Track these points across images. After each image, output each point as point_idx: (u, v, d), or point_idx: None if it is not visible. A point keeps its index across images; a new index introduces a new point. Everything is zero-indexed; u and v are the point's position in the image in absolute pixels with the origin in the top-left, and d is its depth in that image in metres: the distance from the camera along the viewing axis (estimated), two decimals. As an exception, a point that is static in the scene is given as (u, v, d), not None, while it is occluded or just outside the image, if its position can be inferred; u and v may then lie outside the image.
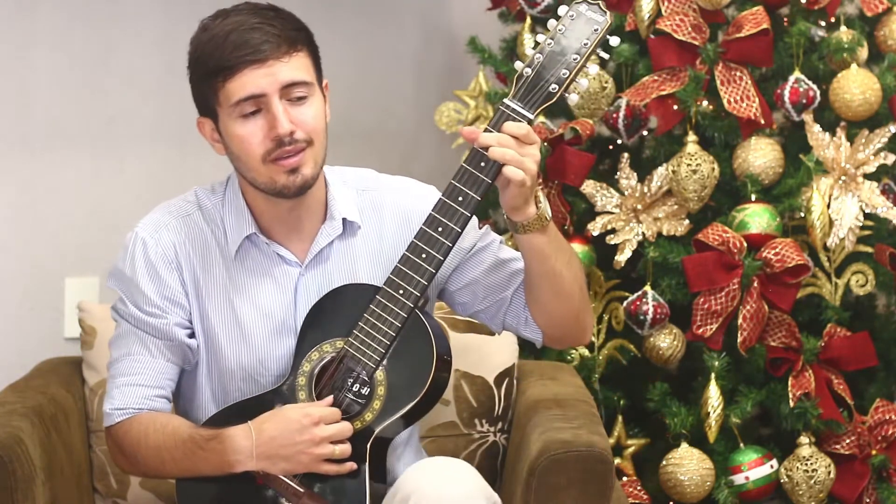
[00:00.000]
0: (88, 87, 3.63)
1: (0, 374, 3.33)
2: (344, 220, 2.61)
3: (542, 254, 2.55)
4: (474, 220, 2.63)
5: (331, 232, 2.61)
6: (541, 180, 3.33)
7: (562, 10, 2.50)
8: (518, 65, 2.51)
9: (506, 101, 2.50)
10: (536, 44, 2.51)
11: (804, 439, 3.40)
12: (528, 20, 3.66)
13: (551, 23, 2.51)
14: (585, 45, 2.48)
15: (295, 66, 2.50)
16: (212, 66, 2.49)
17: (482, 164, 2.47)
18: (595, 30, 2.48)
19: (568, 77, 2.48)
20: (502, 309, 2.66)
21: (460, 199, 2.49)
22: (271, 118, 2.49)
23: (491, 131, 2.47)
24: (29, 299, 3.59)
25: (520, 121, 2.47)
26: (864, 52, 3.55)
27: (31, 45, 3.55)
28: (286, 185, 2.53)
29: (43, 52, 3.56)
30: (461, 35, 3.83)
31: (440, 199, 2.50)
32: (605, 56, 2.52)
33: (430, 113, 3.84)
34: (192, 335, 2.63)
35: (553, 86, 2.49)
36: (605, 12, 2.49)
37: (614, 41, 2.51)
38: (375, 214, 2.65)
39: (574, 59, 2.48)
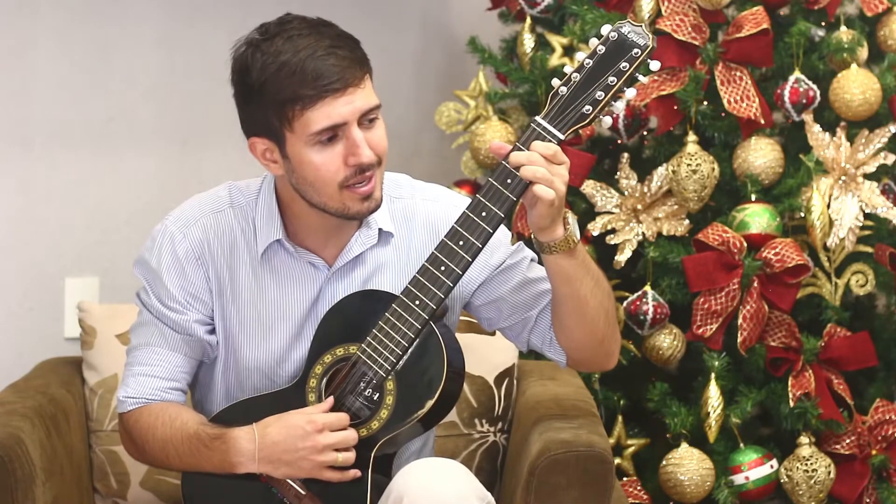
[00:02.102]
0: (88, 87, 3.63)
1: (0, 374, 3.33)
2: (379, 229, 2.61)
3: (568, 276, 2.54)
4: (507, 235, 2.62)
5: (366, 241, 2.60)
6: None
7: (605, 28, 2.45)
8: (555, 82, 2.47)
9: (537, 118, 2.46)
10: (576, 61, 2.46)
11: (804, 439, 3.40)
12: (528, 20, 3.66)
13: (592, 41, 2.46)
14: (624, 67, 2.43)
15: (369, 91, 2.49)
16: (289, 93, 2.44)
17: (508, 180, 2.45)
18: (636, 52, 2.43)
19: (603, 99, 2.44)
20: (527, 328, 2.65)
21: (484, 214, 2.47)
22: (351, 146, 2.47)
23: (520, 148, 2.45)
24: (29, 299, 3.59)
25: (549, 140, 2.44)
26: (864, 52, 3.55)
27: (31, 45, 3.55)
28: (359, 210, 2.53)
29: (43, 52, 3.56)
30: (461, 35, 3.83)
31: (464, 212, 2.48)
32: (644, 80, 2.46)
33: (430, 113, 3.84)
34: (212, 331, 2.63)
35: (587, 107, 2.44)
36: (649, 35, 2.44)
37: (655, 66, 2.45)
38: (406, 224, 2.64)
39: (611, 82, 2.43)
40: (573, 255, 2.51)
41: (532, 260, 2.66)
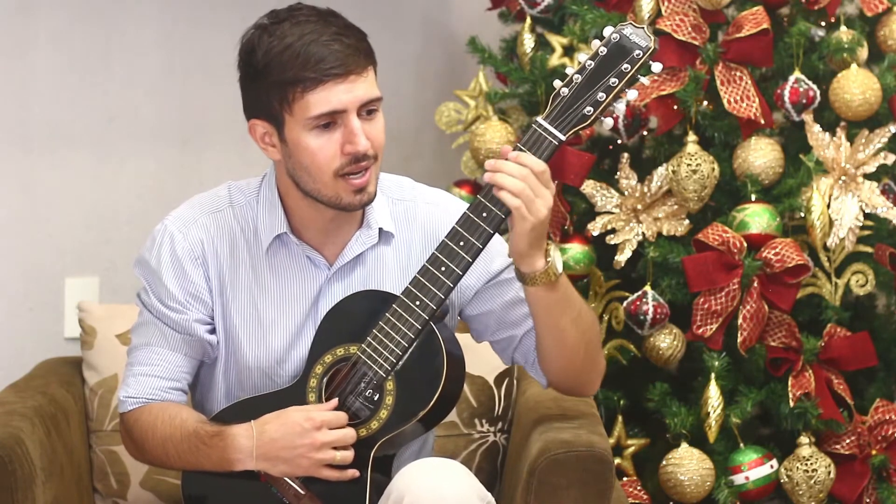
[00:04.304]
0: (88, 87, 3.63)
1: (0, 374, 3.33)
2: (380, 229, 2.61)
3: (548, 309, 2.54)
4: (505, 246, 2.62)
5: (366, 240, 2.61)
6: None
7: (606, 30, 2.46)
8: (556, 83, 2.47)
9: (539, 119, 2.46)
10: (578, 62, 2.47)
11: (804, 439, 3.39)
12: (528, 20, 3.66)
13: (594, 43, 2.46)
14: (626, 69, 2.44)
15: (371, 82, 2.50)
16: (291, 75, 2.45)
17: None
18: (637, 54, 2.44)
19: (605, 101, 2.44)
20: (511, 346, 2.66)
21: (484, 215, 2.47)
22: (348, 134, 2.48)
23: (522, 149, 2.45)
24: (29, 299, 3.59)
25: (550, 142, 2.45)
26: (864, 52, 3.54)
27: (31, 45, 3.55)
28: (351, 202, 2.53)
29: (43, 52, 3.56)
30: (461, 35, 3.82)
31: (464, 213, 2.49)
32: (646, 82, 2.47)
33: (430, 113, 3.84)
34: (212, 331, 2.63)
35: (588, 108, 2.45)
36: (650, 37, 2.44)
37: (656, 67, 2.45)
38: (407, 226, 2.64)
39: (613, 83, 2.44)
40: (554, 289, 2.51)
41: None
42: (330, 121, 2.48)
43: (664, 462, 3.40)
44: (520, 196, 2.42)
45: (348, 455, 2.51)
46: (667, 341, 3.46)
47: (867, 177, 3.47)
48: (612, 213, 3.49)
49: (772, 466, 3.40)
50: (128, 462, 3.03)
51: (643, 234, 3.46)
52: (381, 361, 2.50)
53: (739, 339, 3.36)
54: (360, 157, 2.49)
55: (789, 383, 3.37)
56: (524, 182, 2.43)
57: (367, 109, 2.50)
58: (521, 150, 2.45)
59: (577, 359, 2.61)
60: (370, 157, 2.50)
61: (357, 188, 2.51)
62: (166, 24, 3.70)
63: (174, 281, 2.61)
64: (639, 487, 3.46)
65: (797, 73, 3.45)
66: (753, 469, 3.38)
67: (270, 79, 2.48)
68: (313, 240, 2.61)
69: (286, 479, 2.54)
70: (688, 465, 3.37)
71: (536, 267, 2.49)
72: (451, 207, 2.66)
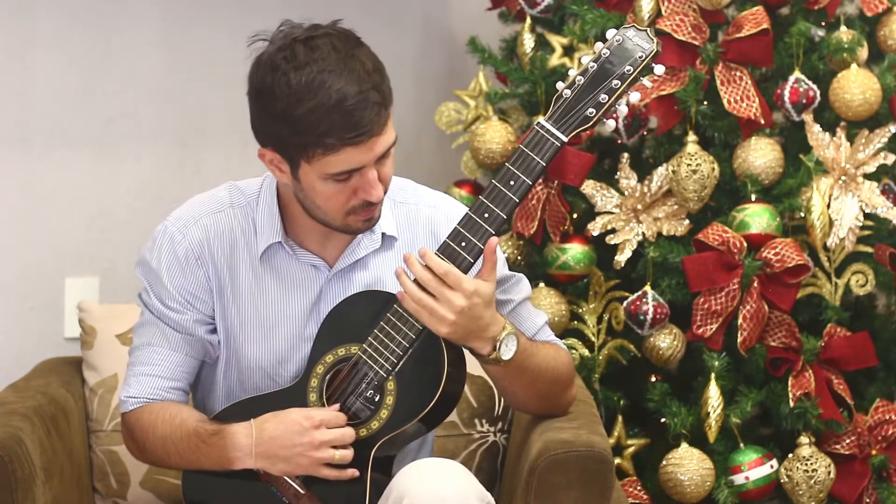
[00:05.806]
0: (88, 88, 3.62)
1: (0, 374, 3.33)
2: (383, 234, 2.61)
3: (495, 377, 2.61)
4: (503, 261, 2.62)
5: (369, 245, 2.61)
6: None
7: (609, 33, 2.47)
8: (559, 85, 2.48)
9: (541, 120, 2.47)
10: (580, 64, 2.48)
11: (804, 439, 3.39)
12: (528, 20, 3.66)
13: (597, 45, 2.47)
14: (628, 71, 2.44)
15: (389, 131, 2.47)
16: (311, 139, 2.40)
17: (511, 182, 2.46)
18: (640, 56, 2.44)
19: (607, 102, 2.45)
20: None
21: (486, 215, 2.47)
22: (364, 184, 2.46)
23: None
24: (29, 299, 3.59)
25: (543, 155, 2.45)
26: (864, 52, 3.54)
27: (31, 46, 3.55)
28: (359, 228, 2.54)
29: (43, 53, 3.56)
30: (461, 35, 3.82)
31: (466, 213, 2.49)
32: (647, 83, 2.48)
33: (430, 113, 3.84)
34: (213, 331, 2.64)
35: (591, 110, 2.45)
36: (653, 39, 2.45)
37: (659, 69, 2.47)
38: (409, 229, 2.65)
39: (616, 85, 2.45)
40: (504, 366, 2.54)
41: (520, 303, 2.66)
42: (347, 176, 2.46)
43: (664, 462, 3.40)
44: (419, 304, 2.45)
45: (347, 454, 2.51)
46: (667, 341, 3.46)
47: (867, 177, 3.47)
48: (612, 213, 3.49)
49: (772, 466, 3.40)
50: (128, 462, 3.03)
51: (643, 234, 3.46)
52: (382, 362, 2.50)
53: (739, 339, 3.36)
54: (373, 203, 2.49)
55: (789, 383, 3.37)
56: (426, 286, 2.44)
57: (385, 156, 2.49)
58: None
59: (530, 406, 2.69)
60: (381, 198, 2.51)
61: (365, 218, 2.52)
62: (166, 24, 3.70)
63: (174, 281, 2.62)
64: (639, 487, 3.46)
65: (797, 73, 3.45)
66: (753, 469, 3.38)
67: (290, 131, 2.42)
68: (314, 244, 2.61)
69: (286, 478, 2.54)
70: (688, 465, 3.37)
71: (482, 352, 2.52)
72: (452, 210, 2.66)
